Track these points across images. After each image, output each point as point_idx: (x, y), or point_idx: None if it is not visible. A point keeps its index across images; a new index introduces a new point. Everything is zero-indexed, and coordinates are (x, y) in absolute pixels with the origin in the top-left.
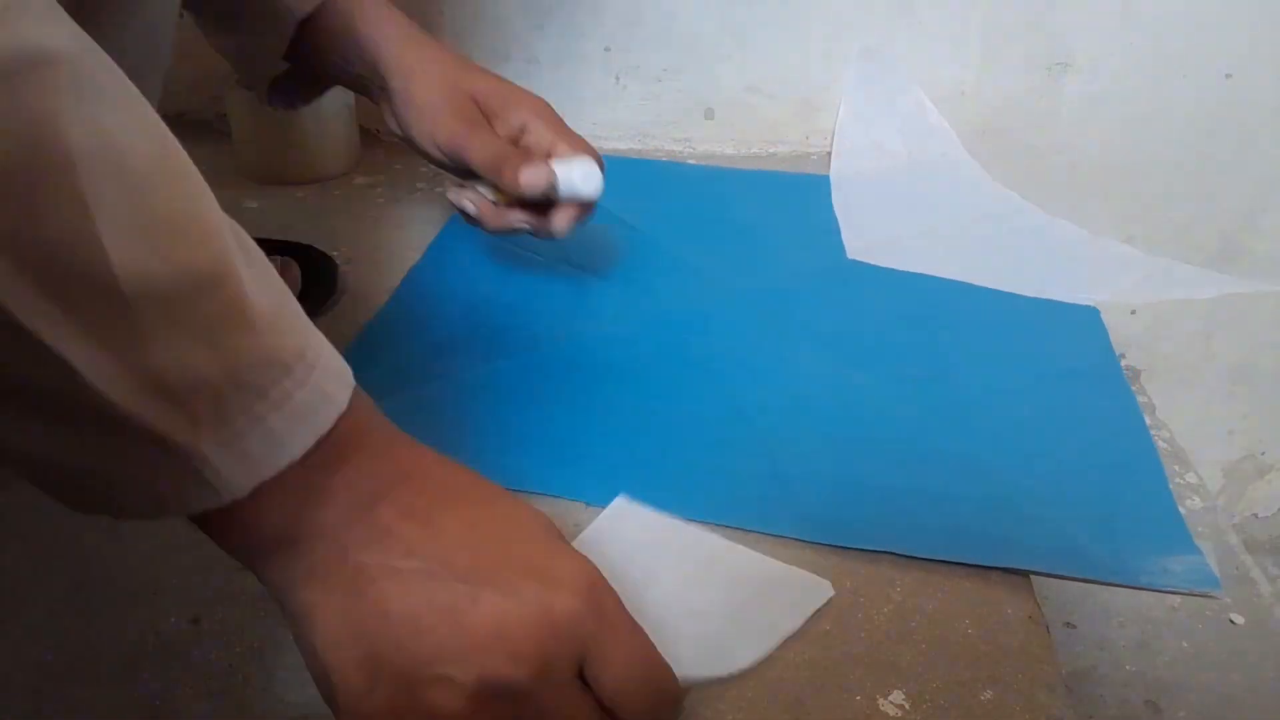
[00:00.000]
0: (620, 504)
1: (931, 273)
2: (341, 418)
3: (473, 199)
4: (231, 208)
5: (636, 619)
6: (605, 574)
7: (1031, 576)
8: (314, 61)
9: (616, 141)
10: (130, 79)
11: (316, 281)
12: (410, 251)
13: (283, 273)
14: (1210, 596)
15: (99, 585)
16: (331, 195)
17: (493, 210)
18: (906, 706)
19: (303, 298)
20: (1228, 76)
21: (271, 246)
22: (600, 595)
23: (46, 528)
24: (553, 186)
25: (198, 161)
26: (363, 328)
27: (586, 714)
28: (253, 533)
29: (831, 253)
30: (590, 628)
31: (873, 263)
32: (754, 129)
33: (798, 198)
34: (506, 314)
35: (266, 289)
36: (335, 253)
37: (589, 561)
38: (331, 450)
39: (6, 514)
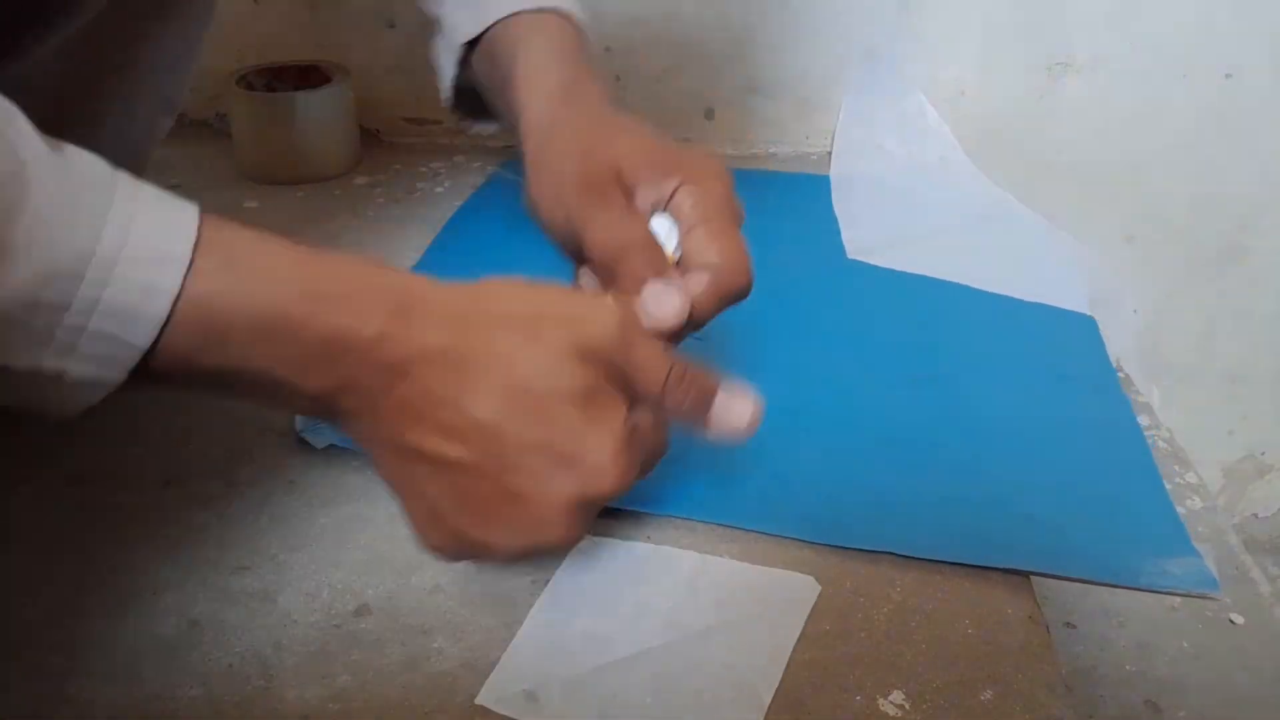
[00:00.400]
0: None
1: (931, 274)
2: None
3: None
4: (231, 208)
5: (637, 650)
6: (590, 611)
7: (1031, 577)
8: (482, 92)
9: None
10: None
11: None
12: (410, 251)
13: None
14: (1209, 598)
15: (99, 585)
16: (331, 195)
17: None
18: (906, 706)
19: None
20: (1228, 76)
21: None
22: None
23: (47, 528)
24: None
25: (198, 161)
26: None
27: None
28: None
29: (831, 253)
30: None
31: (872, 263)
32: (754, 129)
33: (798, 198)
34: None
35: (44, 188)
36: None
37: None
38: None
39: (6, 514)
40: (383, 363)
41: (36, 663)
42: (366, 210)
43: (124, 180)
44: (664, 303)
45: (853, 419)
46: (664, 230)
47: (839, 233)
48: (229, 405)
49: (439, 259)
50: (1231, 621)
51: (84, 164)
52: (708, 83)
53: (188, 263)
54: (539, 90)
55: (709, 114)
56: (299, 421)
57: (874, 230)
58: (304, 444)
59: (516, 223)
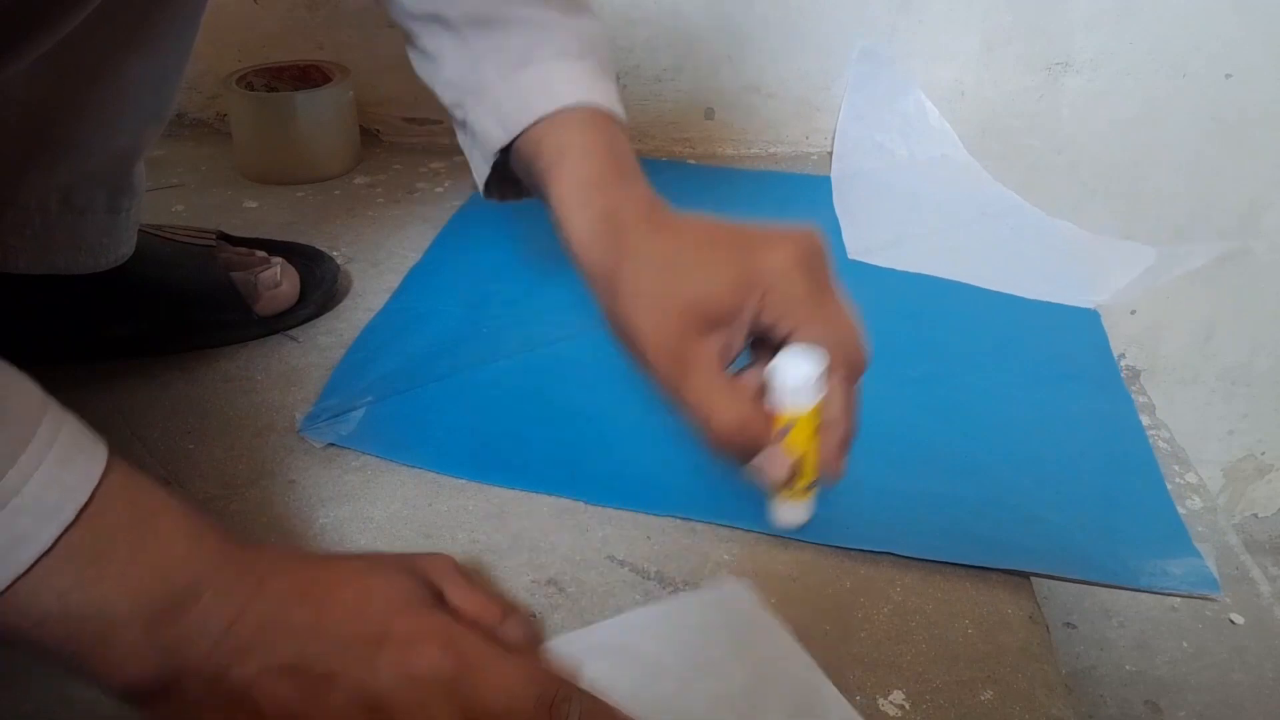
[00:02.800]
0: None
1: (932, 273)
2: (184, 562)
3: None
4: (231, 208)
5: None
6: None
7: (1031, 577)
8: (527, 186)
9: None
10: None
11: (317, 282)
12: (410, 251)
13: (280, 278)
14: (1209, 598)
15: None
16: (331, 195)
17: None
18: (906, 706)
19: (303, 298)
20: (1228, 76)
21: (271, 246)
22: (453, 640)
23: None
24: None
25: (198, 161)
26: (363, 328)
27: None
28: (117, 685)
29: (832, 253)
30: (450, 672)
31: (873, 263)
32: (754, 129)
33: (798, 198)
34: (506, 314)
35: None
36: (335, 253)
37: (438, 613)
38: (175, 598)
39: None
40: (216, 677)
41: (36, 663)
42: (366, 210)
43: (50, 417)
44: (765, 475)
45: None
46: (807, 373)
47: (840, 233)
48: (230, 405)
49: (439, 259)
50: (1231, 621)
51: (12, 394)
52: (708, 83)
53: (73, 519)
54: (583, 236)
55: (709, 114)
56: (299, 421)
57: (875, 230)
58: (304, 444)
59: (517, 223)
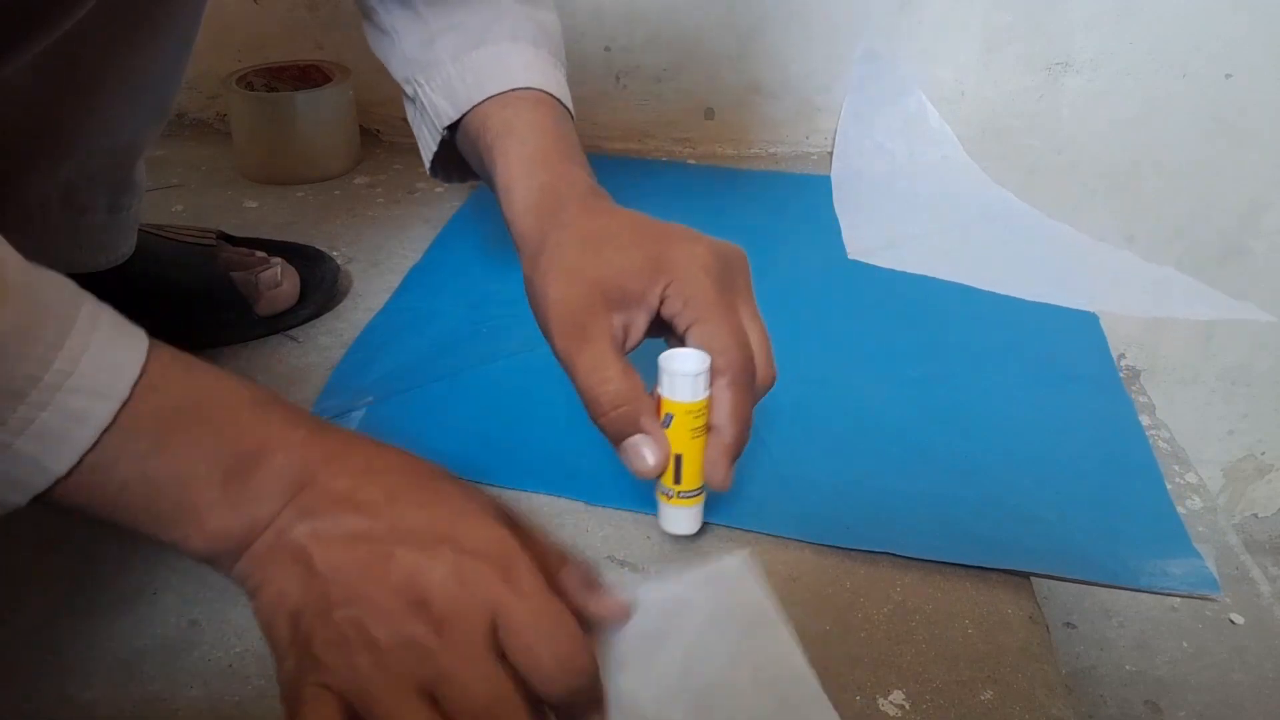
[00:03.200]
0: None
1: (932, 274)
2: (249, 429)
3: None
4: (231, 208)
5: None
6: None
7: (1031, 577)
8: (471, 165)
9: (616, 141)
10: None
11: (317, 282)
12: (410, 251)
13: (281, 278)
14: (1209, 599)
15: (99, 585)
16: (331, 195)
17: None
18: (906, 706)
19: (303, 298)
20: (1228, 76)
21: (271, 246)
22: (513, 562)
23: (46, 528)
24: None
25: (198, 161)
26: (363, 328)
27: (493, 683)
28: (198, 546)
29: (832, 253)
30: (498, 592)
31: (873, 263)
32: (754, 129)
33: (798, 198)
34: (506, 314)
35: (10, 310)
36: (335, 253)
37: (509, 535)
38: (247, 459)
39: (7, 514)
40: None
41: (36, 663)
42: (366, 210)
43: (87, 308)
44: (636, 459)
45: (853, 419)
46: (691, 366)
47: (839, 233)
48: None
49: (439, 259)
50: (1231, 621)
51: (51, 287)
52: (708, 83)
53: (128, 394)
54: (519, 201)
55: (709, 114)
56: None
57: (875, 230)
58: None
59: None
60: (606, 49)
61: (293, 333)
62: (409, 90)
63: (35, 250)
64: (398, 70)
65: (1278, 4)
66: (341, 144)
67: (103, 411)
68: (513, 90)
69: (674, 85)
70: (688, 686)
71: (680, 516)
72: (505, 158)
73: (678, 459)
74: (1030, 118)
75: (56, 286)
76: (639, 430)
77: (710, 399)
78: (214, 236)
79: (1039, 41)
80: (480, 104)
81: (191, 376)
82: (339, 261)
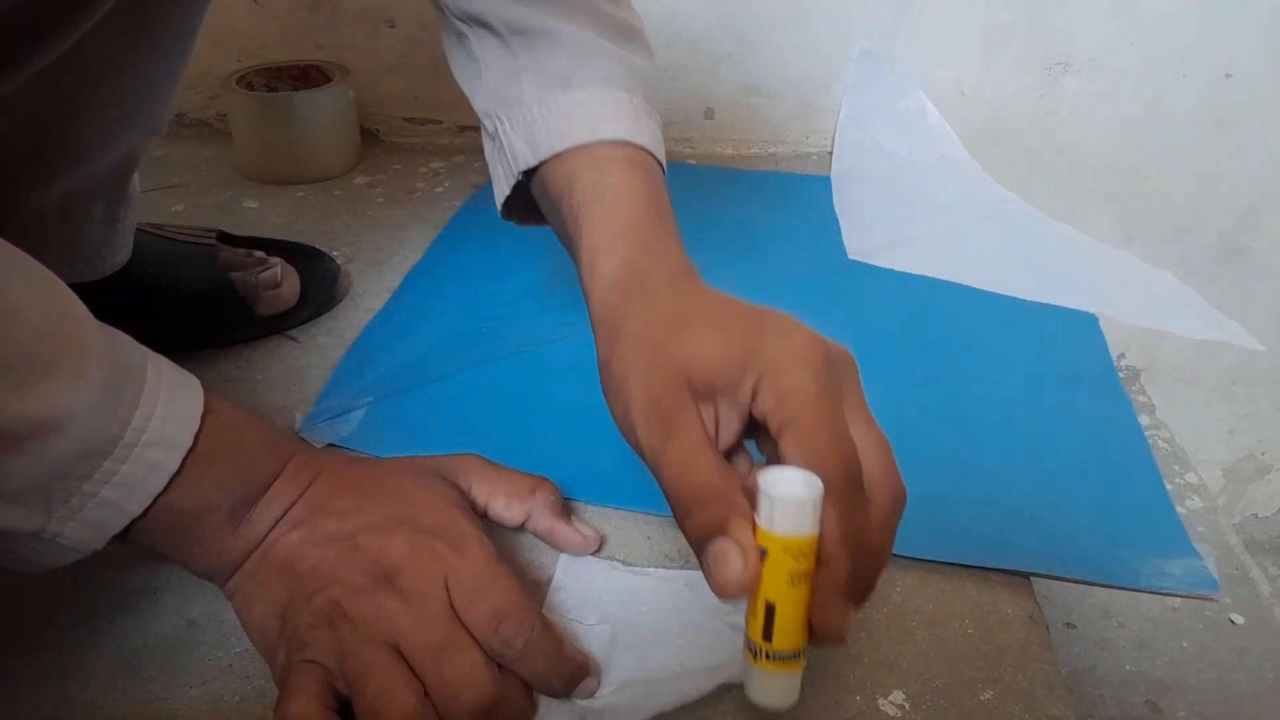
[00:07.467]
0: (566, 561)
1: (931, 274)
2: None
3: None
4: (231, 208)
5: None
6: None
7: (1031, 577)
8: (544, 214)
9: None
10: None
11: (317, 282)
12: (410, 251)
13: (280, 278)
14: (1209, 599)
15: (99, 585)
16: (331, 195)
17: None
18: (906, 706)
19: (303, 298)
20: (1228, 76)
21: (271, 246)
22: (462, 536)
23: None
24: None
25: (198, 162)
26: (363, 328)
27: (446, 630)
28: (201, 566)
29: (832, 253)
30: (449, 560)
31: (873, 264)
32: (754, 129)
33: (798, 198)
34: (506, 314)
35: (94, 378)
36: (335, 253)
37: (461, 516)
38: (255, 490)
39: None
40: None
41: (36, 663)
42: (366, 210)
43: (151, 364)
44: (720, 568)
45: None
46: (797, 491)
47: (839, 233)
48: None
49: (439, 259)
50: (1231, 621)
51: (124, 350)
52: (708, 83)
53: (192, 443)
54: (603, 273)
55: (709, 114)
56: (299, 422)
57: (875, 230)
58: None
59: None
60: None
61: (293, 333)
62: (489, 126)
63: None
64: (479, 102)
65: (1278, 4)
66: (341, 144)
67: (173, 459)
68: (600, 143)
69: (674, 85)
70: (666, 676)
71: (770, 685)
72: (591, 227)
73: (770, 608)
74: (1030, 118)
75: (128, 346)
76: (725, 534)
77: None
78: (214, 236)
79: (1039, 41)
80: (563, 154)
81: (228, 419)
82: (339, 261)
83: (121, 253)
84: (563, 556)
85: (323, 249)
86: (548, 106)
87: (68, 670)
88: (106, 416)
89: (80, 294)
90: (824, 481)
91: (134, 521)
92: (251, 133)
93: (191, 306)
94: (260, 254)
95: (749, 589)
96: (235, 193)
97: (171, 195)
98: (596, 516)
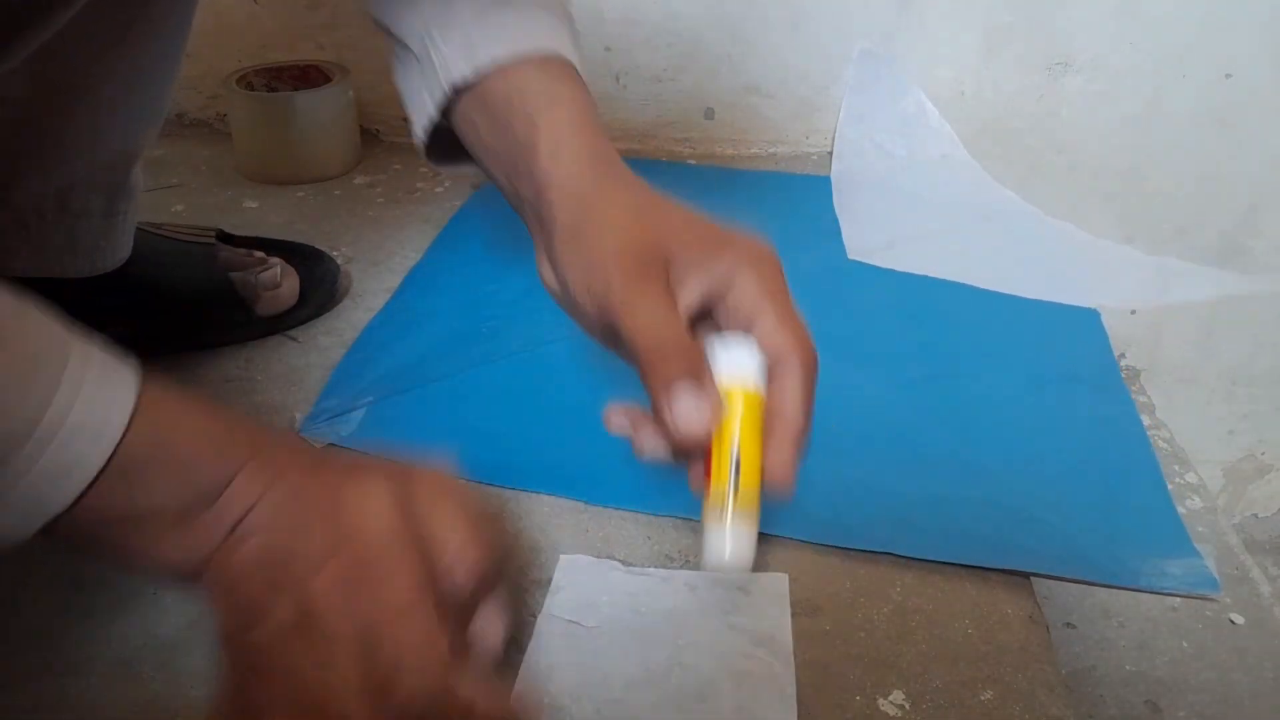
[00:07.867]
0: (566, 561)
1: (932, 274)
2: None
3: (630, 417)
4: (231, 208)
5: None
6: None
7: (1031, 577)
8: (471, 146)
9: (617, 142)
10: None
11: (317, 282)
12: (410, 251)
13: (280, 278)
14: (1209, 598)
15: (99, 585)
16: (331, 195)
17: (649, 429)
18: (906, 706)
19: (303, 298)
20: (1228, 76)
21: (271, 246)
22: (389, 559)
23: None
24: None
25: (198, 161)
26: (363, 328)
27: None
28: (164, 571)
29: (832, 253)
30: (367, 589)
31: (873, 263)
32: (754, 129)
33: (798, 198)
34: (506, 314)
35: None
36: (335, 253)
37: (394, 540)
38: (203, 497)
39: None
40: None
41: (36, 663)
42: (366, 210)
43: (76, 347)
44: (689, 415)
45: (854, 419)
46: (746, 359)
47: (839, 233)
48: (230, 405)
49: (439, 259)
50: (1231, 621)
51: (40, 329)
52: (708, 83)
53: (119, 437)
54: (568, 159)
55: (709, 114)
56: (299, 421)
57: (875, 230)
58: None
59: (516, 225)
60: (607, 49)
61: (293, 333)
62: (415, 46)
63: (31, 256)
64: (406, 28)
65: (1278, 4)
66: (341, 144)
67: (95, 456)
68: (546, 57)
69: (674, 85)
70: (666, 677)
71: (739, 541)
72: (552, 125)
73: (736, 460)
74: (1030, 118)
75: (47, 328)
76: (695, 381)
77: (767, 394)
78: (213, 236)
79: (1039, 41)
80: (507, 66)
81: (171, 414)
82: (339, 261)
83: (122, 249)
84: (563, 556)
85: (323, 249)
86: (486, 22)
87: (68, 670)
88: (19, 399)
89: (80, 293)
90: (798, 357)
91: (61, 516)
92: (251, 133)
93: (191, 306)
94: (260, 254)
95: (711, 428)
96: (235, 193)
97: (171, 195)
98: (597, 516)
